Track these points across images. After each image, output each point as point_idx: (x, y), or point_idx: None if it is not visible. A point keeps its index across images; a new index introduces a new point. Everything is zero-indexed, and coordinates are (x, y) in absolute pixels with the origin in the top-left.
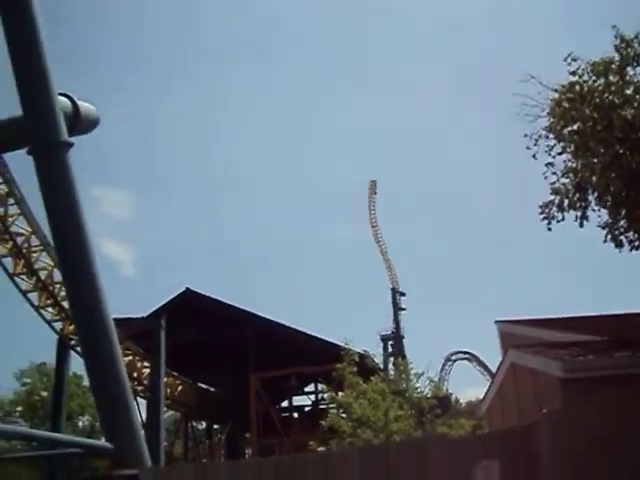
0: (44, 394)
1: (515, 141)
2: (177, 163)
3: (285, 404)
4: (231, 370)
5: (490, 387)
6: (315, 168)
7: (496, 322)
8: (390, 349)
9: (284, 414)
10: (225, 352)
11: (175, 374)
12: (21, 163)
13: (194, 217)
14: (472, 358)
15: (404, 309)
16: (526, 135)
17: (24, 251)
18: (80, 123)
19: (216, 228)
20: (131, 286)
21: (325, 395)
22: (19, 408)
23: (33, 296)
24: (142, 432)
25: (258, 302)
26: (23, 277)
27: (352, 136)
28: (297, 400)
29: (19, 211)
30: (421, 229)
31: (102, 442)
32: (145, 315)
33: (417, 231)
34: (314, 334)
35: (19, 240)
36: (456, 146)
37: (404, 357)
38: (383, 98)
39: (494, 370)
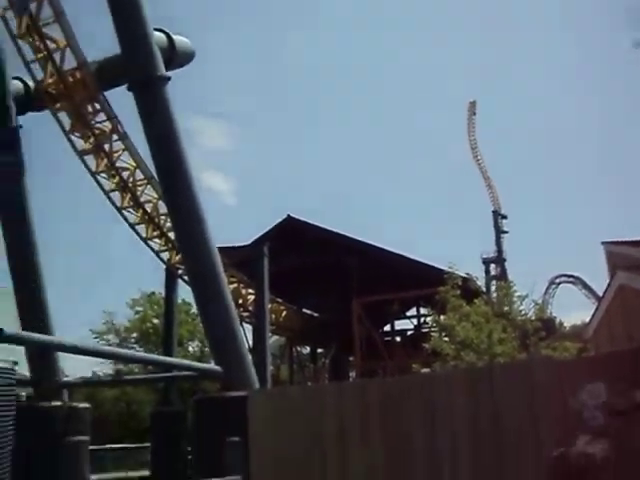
0: (155, 321)
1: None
2: (273, 92)
3: (388, 328)
4: (334, 295)
5: (596, 310)
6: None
7: (603, 243)
8: (492, 272)
9: (387, 338)
10: (328, 278)
11: (279, 300)
12: (122, 99)
13: (292, 146)
14: (577, 281)
15: (506, 232)
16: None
17: (130, 185)
18: (176, 57)
19: (314, 155)
20: (233, 215)
21: (428, 319)
22: (134, 335)
23: (141, 228)
24: (249, 356)
25: (360, 228)
26: (130, 210)
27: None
28: (400, 324)
29: (123, 147)
30: (522, 149)
31: (212, 365)
32: (248, 243)
33: (518, 152)
34: (416, 258)
35: (125, 175)
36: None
37: (507, 280)
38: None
39: (600, 293)
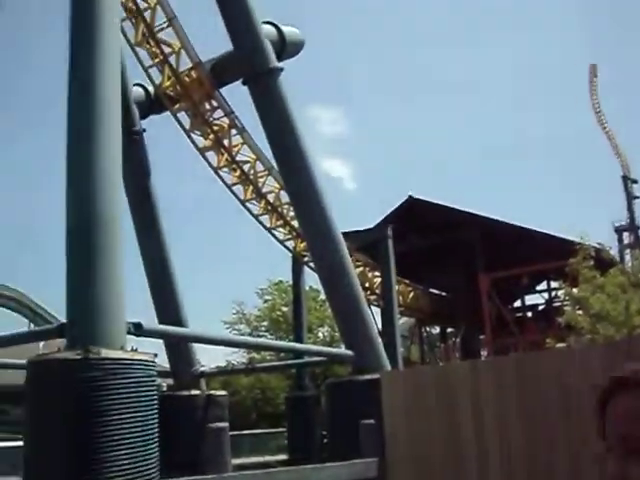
0: (284, 309)
1: None
2: (384, 77)
3: (518, 304)
4: (461, 273)
5: None
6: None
7: None
8: (626, 241)
9: (517, 314)
10: (453, 256)
11: (406, 281)
12: (238, 94)
13: (405, 128)
14: None
15: (638, 197)
16: None
17: (251, 177)
18: (287, 48)
19: (427, 136)
20: (354, 199)
21: (559, 292)
22: (264, 323)
23: (264, 219)
24: (379, 339)
25: (482, 203)
26: (254, 202)
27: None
28: (530, 299)
29: (242, 140)
30: None
31: (343, 350)
32: (372, 226)
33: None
34: (543, 230)
35: (245, 167)
36: None
37: None
38: None
39: None
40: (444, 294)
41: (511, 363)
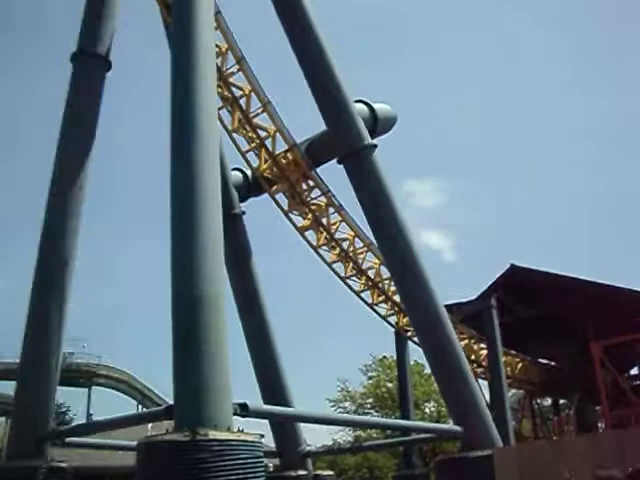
0: (389, 385)
1: None
2: (472, 144)
3: (635, 371)
4: (570, 342)
5: None
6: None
7: None
8: None
9: (635, 382)
10: (561, 324)
11: (513, 352)
12: (333, 172)
13: (502, 194)
14: None
15: None
16: None
17: (350, 254)
18: (379, 124)
19: (529, 200)
20: (454, 271)
21: None
22: (369, 400)
23: (366, 295)
24: (489, 413)
25: (590, 268)
26: (354, 279)
27: None
28: None
29: (340, 218)
30: None
31: (451, 426)
32: (474, 297)
33: None
34: None
35: (344, 245)
36: None
37: None
38: None
39: None
40: (554, 364)
41: (632, 436)
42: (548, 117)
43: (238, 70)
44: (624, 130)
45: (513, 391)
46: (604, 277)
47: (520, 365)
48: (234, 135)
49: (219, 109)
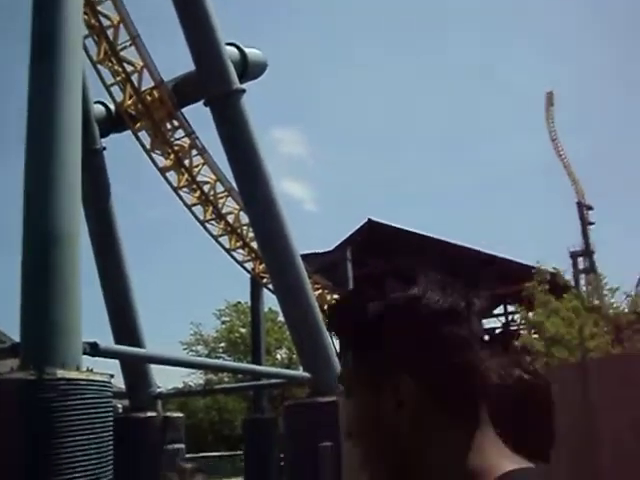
0: (243, 331)
1: None
2: (343, 97)
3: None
4: None
5: None
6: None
7: None
8: (581, 266)
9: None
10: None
11: None
12: (198, 115)
13: (367, 150)
14: None
15: (592, 223)
16: None
17: (211, 198)
18: (249, 69)
19: (390, 161)
20: (314, 222)
21: (516, 316)
22: (222, 345)
23: (224, 240)
24: (337, 361)
25: (442, 227)
26: (213, 223)
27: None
28: (487, 322)
29: (202, 161)
30: (605, 140)
31: (301, 372)
32: (331, 249)
33: (600, 142)
34: (500, 255)
35: (205, 188)
36: None
37: (596, 273)
38: None
39: None
40: None
41: None
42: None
43: None
44: None
45: None
46: (457, 237)
47: None
48: (99, 67)
49: (84, 38)
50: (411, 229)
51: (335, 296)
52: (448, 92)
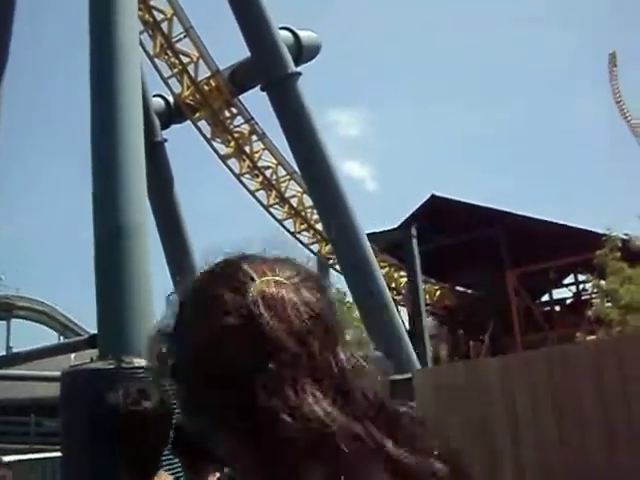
0: None
1: None
2: (400, 74)
3: (546, 298)
4: (487, 270)
5: None
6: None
7: None
8: None
9: (546, 308)
10: (479, 253)
11: (432, 280)
12: (256, 100)
13: (423, 125)
14: None
15: None
16: None
17: (274, 182)
18: (304, 52)
19: (446, 132)
20: (376, 201)
21: (588, 285)
22: None
23: (288, 223)
24: (408, 339)
25: (507, 199)
26: (277, 207)
27: None
28: (558, 293)
29: (263, 146)
30: None
31: (373, 351)
32: (395, 226)
33: None
34: (569, 224)
35: (267, 173)
36: None
37: None
38: None
39: None
40: (471, 291)
41: (540, 357)
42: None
43: None
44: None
45: (431, 317)
46: (524, 209)
47: (438, 293)
48: (156, 60)
49: (140, 33)
50: (477, 202)
51: (402, 273)
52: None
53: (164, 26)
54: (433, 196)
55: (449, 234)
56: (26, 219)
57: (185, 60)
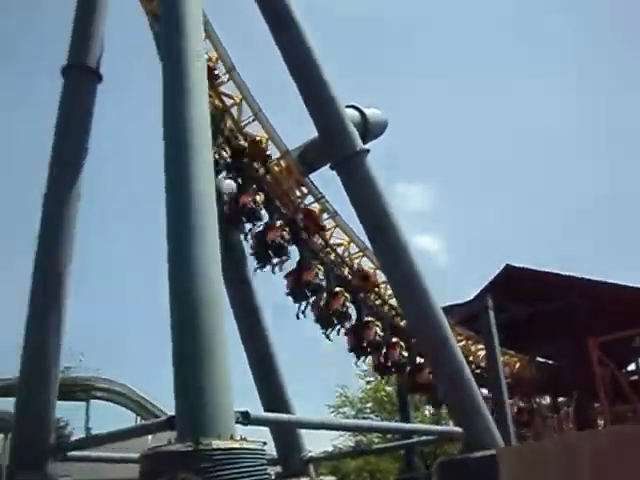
0: (388, 389)
1: None
2: (464, 150)
3: (632, 367)
4: (568, 340)
5: None
6: None
7: None
8: None
9: (632, 378)
10: (558, 322)
11: (511, 352)
12: (325, 178)
13: (494, 198)
14: None
15: None
16: None
17: (346, 259)
18: (370, 129)
19: (522, 202)
20: (448, 273)
21: None
22: (368, 405)
23: None
24: (488, 413)
25: (583, 264)
26: None
27: None
28: None
29: (334, 224)
30: None
31: (452, 427)
32: (470, 298)
33: None
34: None
35: (340, 250)
36: None
37: None
38: None
39: None
40: (551, 362)
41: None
42: (549, 121)
43: (228, 79)
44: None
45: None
46: (602, 275)
47: (518, 364)
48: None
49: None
50: (555, 270)
51: (480, 346)
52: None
53: (233, 110)
54: (507, 266)
55: (526, 304)
56: (106, 300)
57: None
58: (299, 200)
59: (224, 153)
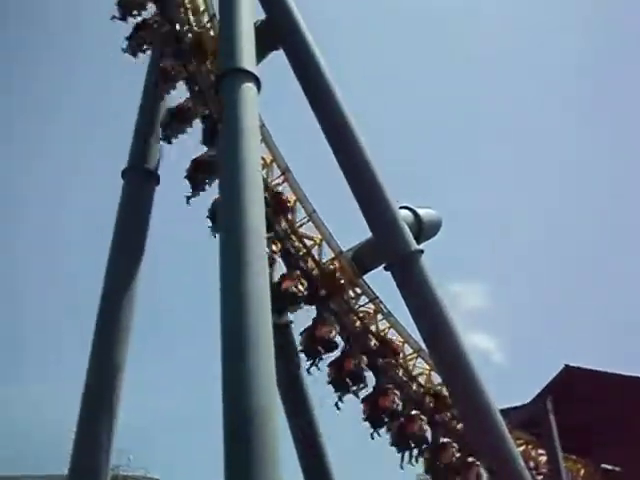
0: None
1: None
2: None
3: None
4: (635, 444)
5: None
6: None
7: None
8: None
9: None
10: (625, 425)
11: (573, 457)
12: (379, 278)
13: (551, 294)
14: None
15: None
16: None
17: (400, 361)
18: (424, 229)
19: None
20: (505, 373)
21: None
22: None
23: None
24: None
25: None
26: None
27: None
28: None
29: (388, 325)
30: None
31: None
32: (528, 400)
33: None
34: None
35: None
36: None
37: None
38: None
39: None
40: (618, 468)
41: None
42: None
43: (283, 181)
44: None
45: None
46: None
47: (583, 471)
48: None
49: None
50: (618, 371)
51: (540, 451)
52: None
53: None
54: (566, 366)
55: (588, 406)
56: (157, 400)
57: (309, 243)
58: (353, 301)
59: (300, 287)
